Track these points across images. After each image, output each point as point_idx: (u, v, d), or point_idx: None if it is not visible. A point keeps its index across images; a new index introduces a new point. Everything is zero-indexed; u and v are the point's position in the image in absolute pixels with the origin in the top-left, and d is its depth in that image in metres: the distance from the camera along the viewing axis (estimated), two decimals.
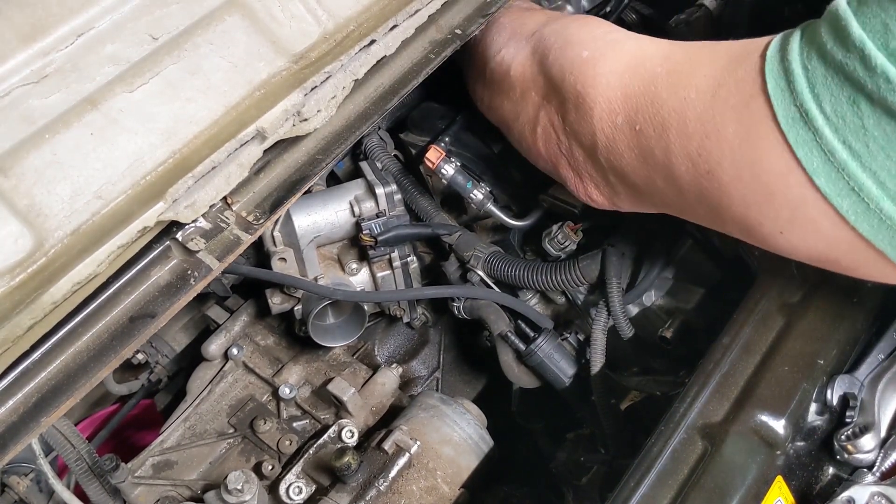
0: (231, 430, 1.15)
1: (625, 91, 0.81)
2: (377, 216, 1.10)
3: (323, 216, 1.10)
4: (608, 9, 1.28)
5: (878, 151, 0.60)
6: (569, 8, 1.29)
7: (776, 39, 0.69)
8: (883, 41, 0.58)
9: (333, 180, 1.27)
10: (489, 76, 1.05)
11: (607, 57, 0.85)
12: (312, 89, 0.85)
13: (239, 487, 0.93)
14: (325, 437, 1.06)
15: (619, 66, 0.83)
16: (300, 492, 1.01)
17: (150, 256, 0.79)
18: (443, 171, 1.16)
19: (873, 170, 0.61)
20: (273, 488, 1.03)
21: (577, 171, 0.92)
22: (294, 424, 1.14)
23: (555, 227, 1.17)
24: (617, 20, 1.30)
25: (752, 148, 0.68)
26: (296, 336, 1.22)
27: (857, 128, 0.61)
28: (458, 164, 1.17)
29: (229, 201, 0.84)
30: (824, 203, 0.64)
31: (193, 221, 0.80)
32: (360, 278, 1.18)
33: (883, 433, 0.80)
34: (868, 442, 0.79)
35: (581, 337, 1.16)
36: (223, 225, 0.82)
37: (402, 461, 1.00)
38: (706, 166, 0.72)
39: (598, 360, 1.09)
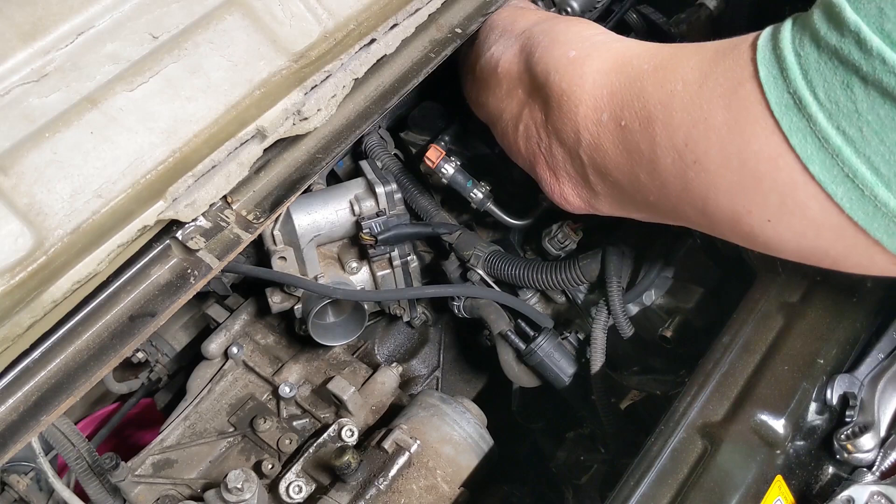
0: (231, 429, 1.15)
1: (611, 88, 0.81)
2: (377, 215, 1.10)
3: (323, 215, 1.10)
4: (613, 9, 1.28)
5: (871, 136, 0.60)
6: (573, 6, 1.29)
7: (767, 29, 0.69)
8: (878, 24, 0.59)
9: (333, 179, 1.27)
10: (478, 72, 1.06)
11: (594, 57, 0.85)
12: (312, 88, 0.85)
13: (239, 486, 0.93)
14: (325, 435, 1.06)
15: (606, 66, 0.83)
16: (300, 491, 1.01)
17: (150, 255, 0.79)
18: (443, 170, 1.16)
19: (867, 155, 0.61)
20: (273, 487, 1.03)
21: (554, 170, 0.92)
22: (294, 423, 1.14)
23: (555, 227, 1.17)
24: (619, 21, 1.30)
25: (741, 134, 0.68)
26: (296, 335, 1.22)
27: (850, 112, 0.61)
28: (458, 163, 1.17)
29: (229, 200, 0.84)
30: (815, 187, 0.64)
31: (193, 220, 0.80)
32: (360, 277, 1.18)
33: (883, 432, 0.80)
34: (868, 441, 0.79)
35: (581, 336, 1.16)
36: (223, 224, 0.82)
37: (401, 460, 1.00)
38: (692, 156, 0.72)
39: (598, 360, 1.09)
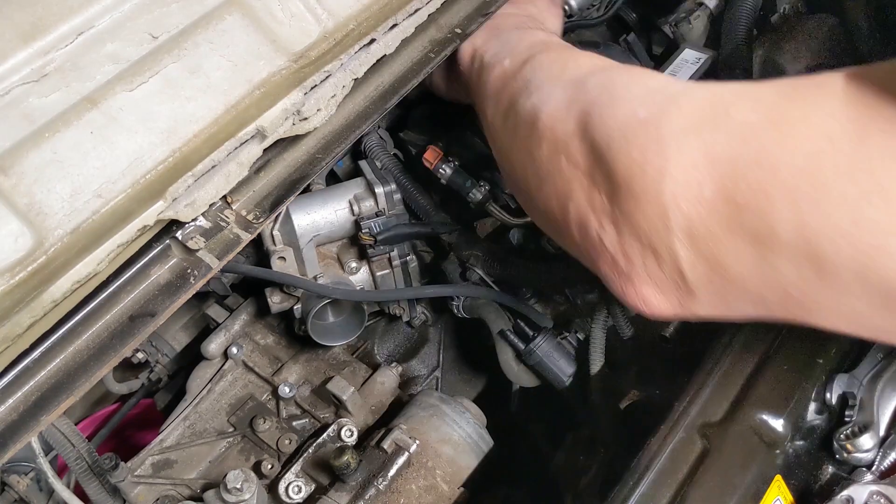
0: (231, 429, 1.15)
1: (708, 150, 0.61)
2: (377, 215, 1.10)
3: (322, 215, 1.10)
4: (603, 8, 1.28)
5: None
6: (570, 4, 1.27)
7: None
8: None
9: (333, 179, 1.27)
10: (508, 111, 0.86)
11: (672, 113, 0.65)
12: (312, 88, 0.85)
13: (238, 486, 0.93)
14: (325, 436, 1.06)
15: (693, 121, 0.63)
16: (299, 491, 1.01)
17: (150, 255, 0.79)
18: (441, 171, 1.16)
19: None
20: (272, 487, 1.03)
21: (627, 270, 0.70)
22: (293, 423, 1.14)
23: None
24: (615, 18, 1.30)
25: None
26: (295, 335, 1.22)
27: None
28: (457, 163, 1.17)
29: (229, 200, 0.84)
30: None
31: (193, 220, 0.80)
32: (359, 277, 1.18)
33: (882, 432, 0.81)
34: (867, 441, 0.79)
35: (581, 336, 1.16)
36: (223, 224, 0.82)
37: (401, 460, 1.00)
38: (870, 238, 0.54)
39: (597, 360, 1.09)
